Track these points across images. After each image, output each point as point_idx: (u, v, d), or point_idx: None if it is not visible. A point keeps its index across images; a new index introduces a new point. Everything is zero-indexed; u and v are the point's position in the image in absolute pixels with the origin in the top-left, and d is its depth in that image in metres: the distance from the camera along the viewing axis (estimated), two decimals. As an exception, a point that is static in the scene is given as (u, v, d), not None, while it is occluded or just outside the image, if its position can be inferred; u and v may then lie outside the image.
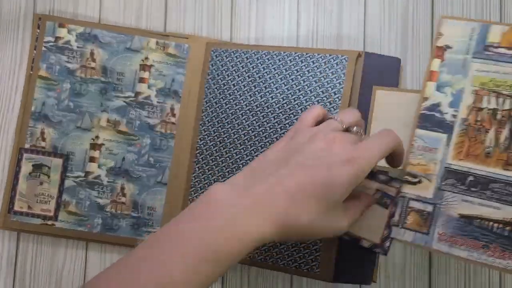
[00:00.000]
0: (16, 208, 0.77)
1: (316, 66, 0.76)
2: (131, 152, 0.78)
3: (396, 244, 0.78)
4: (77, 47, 0.79)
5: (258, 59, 0.78)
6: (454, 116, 0.62)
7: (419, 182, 0.63)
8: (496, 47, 0.61)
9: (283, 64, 0.77)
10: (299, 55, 0.77)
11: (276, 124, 0.76)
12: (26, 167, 0.78)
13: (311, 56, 0.77)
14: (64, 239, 0.79)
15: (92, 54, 0.79)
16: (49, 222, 0.77)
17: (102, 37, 0.79)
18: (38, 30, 0.79)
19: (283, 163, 0.55)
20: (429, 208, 0.62)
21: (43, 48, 0.79)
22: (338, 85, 0.75)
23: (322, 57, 0.76)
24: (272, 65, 0.77)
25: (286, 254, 0.74)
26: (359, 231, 0.65)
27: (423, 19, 0.82)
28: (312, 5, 0.83)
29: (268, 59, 0.77)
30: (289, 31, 0.83)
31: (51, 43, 0.79)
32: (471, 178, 0.61)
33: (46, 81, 0.78)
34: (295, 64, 0.77)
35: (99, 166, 0.78)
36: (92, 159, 0.78)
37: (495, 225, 0.59)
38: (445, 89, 0.63)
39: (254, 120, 0.77)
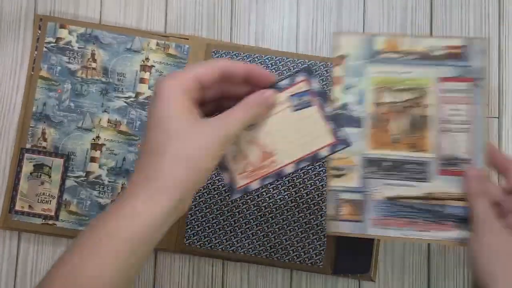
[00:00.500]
0: (17, 207, 0.77)
1: (318, 74, 0.78)
2: (131, 152, 0.78)
3: (396, 244, 0.78)
4: (78, 47, 0.79)
5: (261, 64, 0.78)
6: (362, 112, 0.71)
7: (344, 174, 0.69)
8: (383, 53, 0.71)
9: (287, 70, 0.78)
10: (302, 62, 0.78)
11: None
12: (27, 167, 0.78)
13: (313, 64, 0.78)
14: (65, 238, 0.79)
15: (93, 54, 0.79)
16: (50, 222, 0.77)
17: (103, 38, 0.79)
18: (39, 31, 0.80)
19: None
20: (359, 196, 0.69)
21: (44, 49, 0.79)
22: None
23: (324, 65, 0.78)
24: (276, 71, 0.78)
25: (291, 249, 0.75)
26: None
27: (422, 19, 0.82)
28: (311, 5, 0.83)
29: (271, 64, 0.78)
30: (289, 31, 0.83)
31: (52, 44, 0.79)
32: (386, 163, 0.70)
33: (47, 82, 0.79)
34: None
35: (100, 166, 0.78)
36: (93, 159, 0.78)
37: (415, 201, 0.69)
38: (350, 90, 0.71)
39: None
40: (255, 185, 0.59)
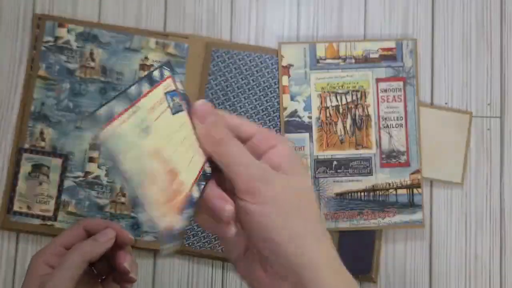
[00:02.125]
0: (16, 208, 0.77)
1: None
2: (131, 152, 0.78)
3: (395, 244, 0.78)
4: (77, 47, 0.79)
5: (262, 63, 0.78)
6: (309, 117, 0.78)
7: None
8: (324, 59, 0.79)
9: None
10: None
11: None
12: (25, 167, 0.78)
13: None
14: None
15: (91, 54, 0.79)
16: (49, 222, 0.77)
17: (102, 37, 0.79)
18: (38, 30, 0.79)
19: None
20: None
21: (43, 48, 0.79)
22: None
23: None
24: (277, 70, 0.78)
25: None
26: None
27: (424, 19, 0.82)
28: (312, 4, 0.83)
29: (272, 63, 0.78)
30: (289, 30, 0.82)
31: (51, 43, 0.79)
32: (335, 162, 0.77)
33: (45, 81, 0.78)
34: None
35: (98, 166, 0.78)
36: (91, 159, 0.78)
37: (361, 194, 0.77)
38: (297, 97, 0.78)
39: (260, 123, 0.77)
40: (178, 223, 0.40)
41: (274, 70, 0.78)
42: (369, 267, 0.75)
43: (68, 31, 0.79)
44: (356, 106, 0.78)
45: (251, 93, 0.77)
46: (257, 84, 0.77)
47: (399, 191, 0.77)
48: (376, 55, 0.78)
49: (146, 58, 0.79)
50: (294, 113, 0.78)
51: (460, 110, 0.78)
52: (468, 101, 0.80)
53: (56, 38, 0.79)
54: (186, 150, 0.43)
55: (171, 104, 0.43)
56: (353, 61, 0.78)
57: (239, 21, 0.83)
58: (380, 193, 0.77)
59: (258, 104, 0.77)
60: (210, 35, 0.82)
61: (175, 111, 0.44)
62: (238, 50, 0.79)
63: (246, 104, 0.77)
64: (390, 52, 0.78)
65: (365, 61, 0.78)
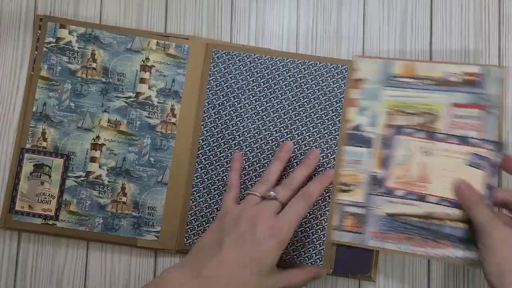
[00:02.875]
0: (17, 207, 0.77)
1: (318, 75, 0.78)
2: (131, 152, 0.78)
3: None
4: (78, 47, 0.79)
5: (261, 64, 0.78)
6: (373, 133, 0.76)
7: (351, 190, 0.76)
8: (400, 77, 0.76)
9: (287, 71, 0.78)
10: (302, 63, 0.78)
11: (282, 128, 0.78)
12: (27, 167, 0.78)
13: (313, 65, 0.78)
14: (65, 238, 0.80)
15: (93, 54, 0.79)
16: (50, 222, 0.77)
17: (103, 38, 0.79)
18: (39, 31, 0.80)
19: (217, 247, 0.64)
20: (362, 211, 0.75)
21: (44, 49, 0.79)
22: (339, 94, 0.78)
23: (324, 66, 0.79)
24: (276, 71, 0.79)
25: (291, 249, 0.75)
26: None
27: (422, 19, 0.82)
28: (311, 5, 0.83)
29: (272, 64, 0.78)
30: (289, 31, 0.83)
31: (52, 44, 0.79)
32: None
33: (47, 82, 0.79)
34: (298, 72, 0.79)
35: (100, 166, 0.78)
36: (93, 159, 0.78)
37: (414, 219, 0.73)
38: (364, 112, 0.77)
39: (260, 123, 0.78)
40: (399, 192, 0.74)
41: (274, 71, 0.78)
42: (368, 266, 0.75)
43: (70, 32, 0.79)
44: (424, 129, 0.75)
45: (255, 98, 0.78)
46: (261, 90, 0.78)
47: (457, 224, 0.72)
48: (457, 79, 0.74)
49: (147, 59, 0.79)
50: (357, 127, 0.77)
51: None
52: (466, 102, 0.81)
53: (58, 39, 0.79)
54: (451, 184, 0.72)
55: (473, 160, 0.71)
56: (430, 82, 0.75)
57: (239, 21, 0.83)
58: (434, 222, 0.72)
59: (258, 105, 0.78)
60: (210, 35, 0.83)
61: (470, 164, 0.71)
62: (238, 51, 0.79)
63: (249, 110, 0.78)
64: (472, 78, 0.74)
65: (443, 83, 0.75)
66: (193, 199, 0.77)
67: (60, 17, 0.81)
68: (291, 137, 0.77)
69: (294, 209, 0.67)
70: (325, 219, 0.76)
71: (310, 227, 0.76)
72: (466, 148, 0.72)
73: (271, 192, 0.68)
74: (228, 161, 0.77)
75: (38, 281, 0.80)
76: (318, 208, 0.76)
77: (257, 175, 0.77)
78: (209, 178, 0.78)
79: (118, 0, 0.84)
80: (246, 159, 0.77)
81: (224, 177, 0.77)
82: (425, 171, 0.73)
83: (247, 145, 0.78)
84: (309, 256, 0.75)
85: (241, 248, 0.63)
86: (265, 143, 0.77)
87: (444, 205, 0.72)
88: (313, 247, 0.75)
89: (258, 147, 0.77)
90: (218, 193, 0.77)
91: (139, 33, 0.80)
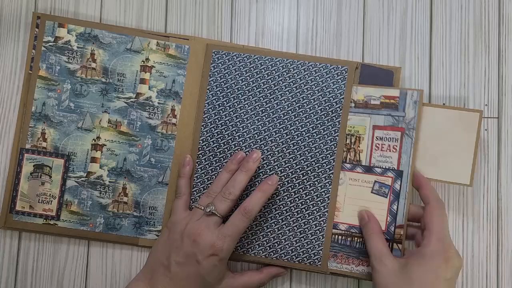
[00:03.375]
0: (18, 208, 0.78)
1: (318, 76, 0.78)
2: (132, 152, 0.78)
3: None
4: (77, 47, 0.79)
5: (261, 65, 0.78)
6: None
7: None
8: None
9: (287, 71, 0.78)
10: (302, 64, 0.78)
11: (282, 129, 0.78)
12: (27, 167, 0.78)
13: (313, 65, 0.78)
14: (66, 238, 0.80)
15: (92, 54, 0.79)
16: (52, 222, 0.78)
17: (103, 37, 0.79)
18: (37, 30, 0.79)
19: (166, 261, 0.71)
20: None
21: (43, 48, 0.79)
22: (339, 95, 0.77)
23: (324, 66, 0.78)
24: (276, 72, 0.78)
25: (290, 249, 0.76)
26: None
27: (422, 20, 0.82)
28: (311, 5, 0.83)
29: (271, 65, 0.78)
30: (289, 32, 0.83)
31: (51, 43, 0.79)
32: None
33: (46, 81, 0.78)
34: (298, 73, 0.78)
35: (100, 167, 0.78)
36: (93, 160, 0.78)
37: (339, 237, 0.77)
38: None
39: (259, 124, 0.78)
40: None
41: (274, 72, 0.78)
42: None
43: (68, 31, 0.79)
44: (348, 150, 0.77)
45: (255, 99, 0.78)
46: (261, 91, 0.78)
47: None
48: (378, 102, 0.77)
49: (147, 59, 0.79)
50: None
51: (470, 109, 0.78)
52: (465, 102, 0.81)
53: (56, 38, 0.79)
54: (356, 211, 0.77)
55: (377, 187, 0.76)
56: (354, 105, 0.78)
57: (239, 21, 0.83)
58: (358, 240, 0.76)
59: (258, 105, 0.78)
60: (210, 35, 0.83)
61: (376, 193, 0.76)
62: (238, 52, 0.79)
63: (249, 110, 0.78)
64: (392, 101, 0.77)
65: (365, 106, 0.77)
66: (193, 199, 0.78)
67: (58, 16, 0.81)
68: (290, 138, 0.77)
69: (234, 226, 0.71)
70: (324, 219, 0.76)
71: (308, 227, 0.76)
72: (371, 176, 0.76)
73: (212, 207, 0.71)
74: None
75: (39, 280, 0.80)
76: (317, 209, 0.76)
77: (255, 175, 0.77)
78: (209, 178, 0.78)
79: (118, 0, 0.83)
80: None
81: None
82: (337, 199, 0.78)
83: (247, 146, 0.78)
84: (307, 257, 0.75)
85: (186, 267, 0.70)
86: (265, 143, 0.77)
87: (352, 232, 0.76)
88: (311, 247, 0.75)
89: (258, 147, 0.77)
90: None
91: (139, 33, 0.80)
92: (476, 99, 0.81)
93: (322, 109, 0.77)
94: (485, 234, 0.80)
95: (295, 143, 0.77)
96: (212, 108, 0.78)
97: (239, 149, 0.78)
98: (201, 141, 0.78)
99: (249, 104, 0.78)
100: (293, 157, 0.77)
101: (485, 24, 0.82)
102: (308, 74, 0.78)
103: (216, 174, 0.78)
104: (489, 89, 0.81)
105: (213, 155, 0.78)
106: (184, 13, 0.83)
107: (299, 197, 0.77)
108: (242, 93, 0.78)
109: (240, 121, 0.78)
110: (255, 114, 0.78)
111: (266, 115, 0.78)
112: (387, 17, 0.83)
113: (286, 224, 0.76)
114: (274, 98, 0.78)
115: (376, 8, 0.83)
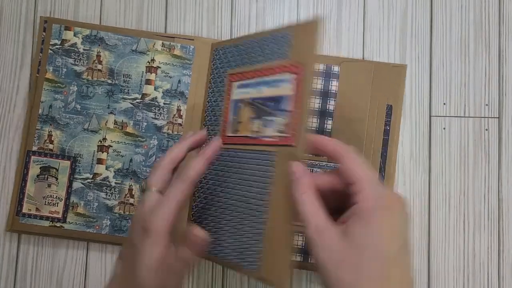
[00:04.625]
0: (24, 210, 0.77)
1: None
2: (138, 153, 0.78)
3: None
4: (84, 49, 0.79)
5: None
6: None
7: None
8: None
9: None
10: None
11: None
12: (33, 170, 0.78)
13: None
14: (65, 239, 0.80)
15: (98, 56, 0.79)
16: (58, 224, 0.77)
17: (108, 39, 0.79)
18: (44, 33, 0.79)
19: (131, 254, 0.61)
20: None
21: (50, 51, 0.79)
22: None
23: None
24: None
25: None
26: None
27: (422, 20, 0.83)
28: (311, 5, 0.84)
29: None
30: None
31: (57, 46, 0.79)
32: None
33: (52, 84, 0.78)
34: None
35: (106, 168, 0.78)
36: (99, 161, 0.78)
37: None
38: None
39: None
40: None
41: None
42: None
43: (75, 34, 0.79)
44: None
45: None
46: None
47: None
48: None
49: (153, 60, 0.79)
50: None
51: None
52: (466, 102, 0.82)
53: (63, 41, 0.79)
54: None
55: None
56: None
57: (239, 21, 0.84)
58: None
59: None
60: (210, 35, 0.83)
61: None
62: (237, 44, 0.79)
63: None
64: None
65: None
66: (197, 197, 0.78)
67: (65, 19, 0.81)
68: None
69: (170, 197, 0.60)
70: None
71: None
72: None
73: (144, 183, 0.69)
74: None
75: (38, 281, 0.80)
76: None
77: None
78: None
79: (118, 0, 0.83)
80: None
81: None
82: None
83: None
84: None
85: (132, 257, 0.61)
86: None
87: None
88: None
89: None
90: (221, 191, 0.77)
91: (145, 34, 0.80)
92: (476, 99, 0.82)
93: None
94: (486, 235, 0.81)
95: None
96: (215, 105, 0.78)
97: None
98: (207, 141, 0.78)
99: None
100: None
101: (485, 23, 0.83)
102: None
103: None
104: (489, 89, 0.82)
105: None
106: (184, 13, 0.83)
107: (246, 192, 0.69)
108: None
109: None
110: None
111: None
112: (387, 17, 0.84)
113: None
114: None
115: (376, 8, 0.84)
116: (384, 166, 0.78)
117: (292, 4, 0.84)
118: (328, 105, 0.79)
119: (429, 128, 0.82)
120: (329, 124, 0.79)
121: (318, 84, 0.79)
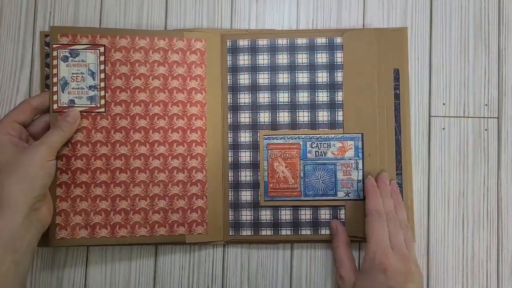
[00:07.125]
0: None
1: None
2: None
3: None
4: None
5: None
6: None
7: None
8: None
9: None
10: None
11: None
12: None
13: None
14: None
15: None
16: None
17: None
18: (47, 48, 0.78)
19: None
20: None
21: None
22: None
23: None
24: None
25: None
26: None
27: (422, 20, 0.83)
28: (311, 5, 0.83)
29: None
30: (289, 30, 0.83)
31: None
32: None
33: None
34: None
35: None
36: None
37: None
38: None
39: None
40: None
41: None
42: None
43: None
44: None
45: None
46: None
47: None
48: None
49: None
50: None
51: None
52: (465, 102, 0.81)
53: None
54: None
55: None
56: None
57: (239, 21, 0.83)
58: None
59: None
60: (210, 34, 0.83)
61: None
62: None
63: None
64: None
65: None
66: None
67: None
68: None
69: (43, 140, 0.70)
70: None
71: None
72: None
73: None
74: None
75: (38, 281, 0.79)
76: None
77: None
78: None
79: (118, 0, 0.83)
80: None
81: None
82: None
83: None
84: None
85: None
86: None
87: None
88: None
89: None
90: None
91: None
92: (476, 99, 0.82)
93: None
94: (485, 234, 0.80)
95: None
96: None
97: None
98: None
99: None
100: None
101: (485, 24, 0.83)
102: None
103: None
104: (489, 89, 0.82)
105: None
106: (184, 13, 0.83)
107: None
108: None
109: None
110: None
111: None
112: (387, 17, 0.83)
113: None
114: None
115: (376, 8, 0.83)
116: (399, 129, 0.79)
117: (292, 4, 0.84)
118: (336, 77, 0.79)
119: (428, 128, 0.81)
120: (339, 96, 0.79)
121: (323, 58, 0.79)
